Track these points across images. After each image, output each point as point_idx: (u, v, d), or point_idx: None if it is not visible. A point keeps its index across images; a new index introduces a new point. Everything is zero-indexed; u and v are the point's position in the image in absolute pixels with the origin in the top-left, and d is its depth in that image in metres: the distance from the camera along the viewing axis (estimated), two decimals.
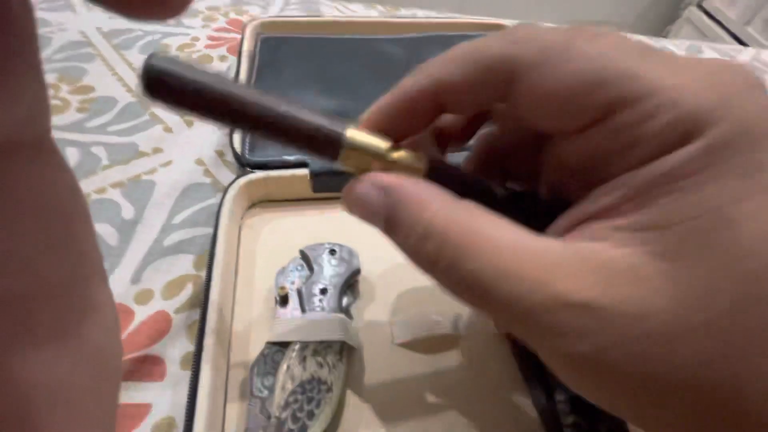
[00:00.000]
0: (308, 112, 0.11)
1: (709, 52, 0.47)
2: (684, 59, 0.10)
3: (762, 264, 0.09)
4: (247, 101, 0.10)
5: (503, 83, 0.11)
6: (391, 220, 0.11)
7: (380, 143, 0.12)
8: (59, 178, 0.09)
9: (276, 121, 0.10)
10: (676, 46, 0.47)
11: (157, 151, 0.28)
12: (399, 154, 0.12)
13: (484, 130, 0.15)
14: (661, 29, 1.34)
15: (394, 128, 0.13)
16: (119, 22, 0.38)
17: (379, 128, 0.13)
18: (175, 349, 0.20)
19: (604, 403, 0.10)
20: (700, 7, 1.20)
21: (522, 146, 0.14)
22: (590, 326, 0.09)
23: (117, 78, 0.33)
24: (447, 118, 0.14)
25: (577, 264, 0.10)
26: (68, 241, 0.09)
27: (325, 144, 0.11)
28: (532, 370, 0.18)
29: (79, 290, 0.09)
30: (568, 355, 0.10)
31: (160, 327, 0.20)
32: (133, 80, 0.33)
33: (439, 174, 0.13)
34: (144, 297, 0.21)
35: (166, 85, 0.09)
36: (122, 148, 0.28)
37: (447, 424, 0.18)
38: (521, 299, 0.10)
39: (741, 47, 0.50)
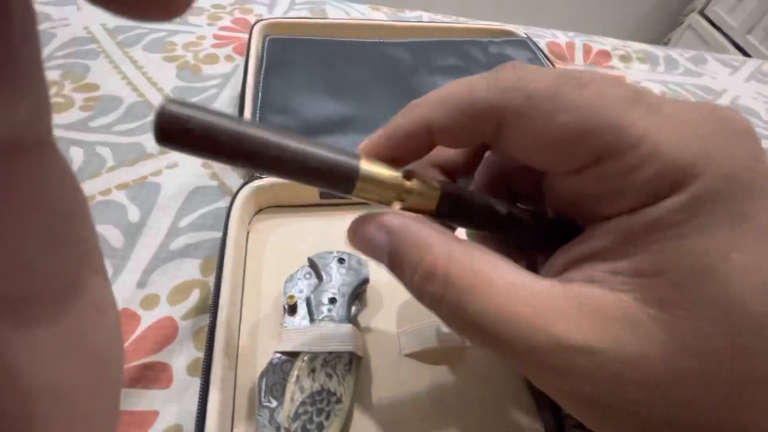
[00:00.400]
0: (319, 147, 0.11)
1: (713, 62, 0.47)
2: (671, 105, 0.10)
3: (751, 316, 0.09)
4: (262, 143, 0.10)
5: (492, 128, 0.12)
6: (394, 260, 0.12)
7: (393, 173, 0.12)
8: (60, 178, 0.09)
9: (291, 160, 0.10)
10: (680, 54, 0.48)
11: (163, 152, 0.28)
12: (413, 184, 0.12)
13: (488, 155, 0.15)
14: (663, 35, 1.35)
15: (395, 157, 0.13)
16: (123, 18, 0.38)
17: (381, 158, 0.13)
18: (182, 356, 0.20)
19: None
20: (702, 14, 1.21)
21: (524, 172, 0.15)
22: (591, 368, 0.10)
23: (122, 76, 0.33)
24: (449, 152, 0.15)
25: (575, 307, 0.10)
26: (70, 242, 0.09)
27: (339, 178, 0.11)
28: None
29: (80, 290, 0.09)
30: (571, 393, 0.10)
31: (167, 333, 0.20)
32: (139, 79, 0.33)
33: (453, 199, 0.13)
34: (150, 302, 0.21)
35: (179, 133, 0.09)
36: (128, 149, 0.28)
37: None
38: (524, 341, 0.10)
39: (744, 58, 0.50)
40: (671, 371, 0.09)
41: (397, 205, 0.12)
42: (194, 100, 0.32)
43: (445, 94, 0.12)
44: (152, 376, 0.19)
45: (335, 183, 0.11)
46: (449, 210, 0.13)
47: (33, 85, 0.08)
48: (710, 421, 0.09)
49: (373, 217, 0.12)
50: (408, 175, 0.12)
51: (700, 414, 0.09)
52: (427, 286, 0.11)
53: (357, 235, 0.12)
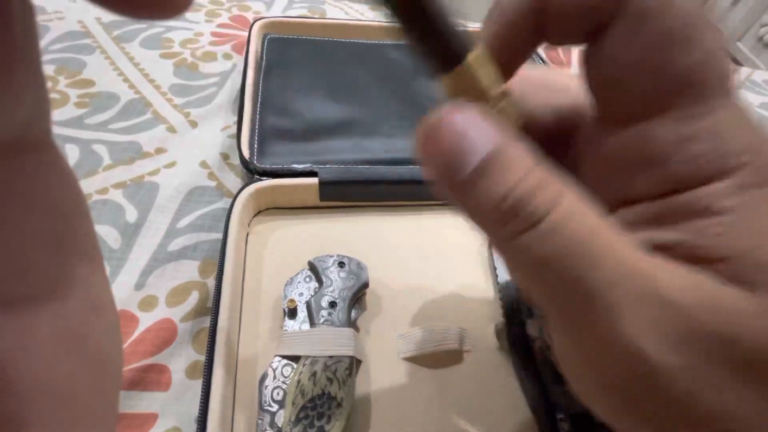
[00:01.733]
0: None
1: None
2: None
3: None
4: None
5: (607, 14, 0.10)
6: (490, 165, 0.09)
7: (497, 79, 0.10)
8: (60, 178, 0.09)
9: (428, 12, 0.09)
10: None
11: (160, 151, 0.28)
12: (508, 102, 0.10)
13: None
14: None
15: (499, 49, 0.11)
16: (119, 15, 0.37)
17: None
18: (181, 358, 0.20)
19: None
20: None
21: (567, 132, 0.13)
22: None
23: (118, 73, 0.32)
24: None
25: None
26: (70, 242, 0.09)
27: (448, 50, 0.10)
28: (534, 387, 0.19)
29: (80, 290, 0.09)
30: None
31: (165, 335, 0.20)
32: (136, 75, 0.32)
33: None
34: (148, 304, 0.21)
35: None
36: (125, 147, 0.27)
37: None
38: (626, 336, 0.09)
39: (734, 67, 0.51)
40: None
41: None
42: (192, 98, 0.32)
43: None
44: (151, 378, 0.19)
45: (441, 52, 0.10)
46: None
47: (33, 85, 0.08)
48: None
49: (472, 110, 0.09)
50: (505, 93, 0.11)
51: None
52: (537, 198, 0.09)
53: (442, 124, 0.09)
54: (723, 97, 0.09)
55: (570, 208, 0.09)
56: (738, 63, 1.06)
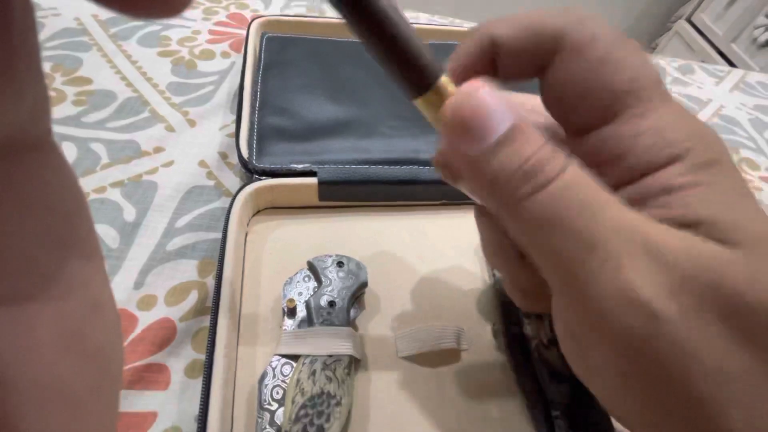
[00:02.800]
0: (419, 42, 0.11)
1: (700, 72, 0.49)
2: (672, 100, 0.12)
3: None
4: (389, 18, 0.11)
5: (549, 51, 0.12)
6: (514, 135, 0.11)
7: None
8: (60, 177, 0.09)
9: (396, 38, 0.11)
10: (669, 63, 0.49)
11: (158, 150, 0.28)
12: None
13: None
14: (651, 41, 1.37)
15: (463, 74, 0.13)
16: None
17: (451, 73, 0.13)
18: (181, 358, 0.20)
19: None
20: (689, 21, 1.24)
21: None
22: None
23: (115, 71, 0.32)
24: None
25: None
26: (70, 241, 0.09)
27: (420, 77, 0.11)
28: (531, 385, 0.19)
29: (81, 289, 0.10)
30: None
31: (165, 334, 0.20)
32: (133, 73, 0.32)
33: None
34: (147, 303, 0.21)
35: None
36: (122, 146, 0.27)
37: None
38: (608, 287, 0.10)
39: (729, 68, 0.52)
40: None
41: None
42: (191, 97, 0.32)
43: (515, 15, 0.12)
44: (151, 377, 0.19)
45: (414, 78, 0.11)
46: None
47: (33, 85, 0.08)
48: None
49: (494, 91, 0.11)
50: None
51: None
52: (548, 165, 0.10)
53: (473, 95, 0.11)
54: (660, 99, 0.11)
55: (575, 174, 0.11)
56: (732, 64, 1.07)
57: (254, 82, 0.30)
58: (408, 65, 0.11)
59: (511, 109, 0.11)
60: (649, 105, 0.11)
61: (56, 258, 0.09)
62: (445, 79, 0.12)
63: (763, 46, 1.03)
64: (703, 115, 0.43)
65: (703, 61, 0.61)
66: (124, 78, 0.32)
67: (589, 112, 0.12)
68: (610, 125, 0.12)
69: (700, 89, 0.46)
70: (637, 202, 0.11)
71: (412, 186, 0.26)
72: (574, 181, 0.11)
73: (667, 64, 0.48)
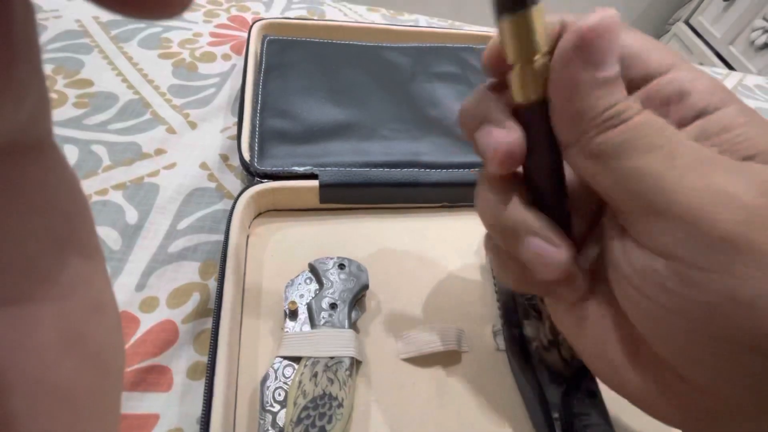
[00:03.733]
0: None
1: None
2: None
3: None
4: None
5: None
6: (618, 79, 0.12)
7: (546, 36, 0.12)
8: (61, 178, 0.09)
9: None
10: None
11: (160, 152, 0.28)
12: (546, 61, 0.12)
13: None
14: None
15: None
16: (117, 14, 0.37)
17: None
18: (182, 359, 0.20)
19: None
20: (687, 23, 1.24)
21: None
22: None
23: (117, 73, 0.32)
24: None
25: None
26: (71, 242, 0.09)
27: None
28: (531, 387, 0.19)
29: (82, 290, 0.10)
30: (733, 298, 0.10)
31: (167, 336, 0.20)
32: (134, 76, 0.32)
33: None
34: (149, 305, 0.21)
35: None
36: (124, 148, 0.27)
37: None
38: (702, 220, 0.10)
39: (727, 71, 0.52)
40: None
41: (518, 62, 0.12)
42: (192, 99, 0.32)
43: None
44: (153, 379, 0.19)
45: None
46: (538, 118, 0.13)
47: (33, 85, 0.08)
48: None
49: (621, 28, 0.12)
50: (549, 52, 0.12)
51: None
52: (629, 109, 0.11)
53: (610, 29, 0.11)
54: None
55: (650, 114, 0.12)
56: (730, 67, 1.08)
57: (255, 85, 0.30)
58: None
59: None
60: (690, 68, 0.13)
61: (57, 259, 0.09)
62: (537, 9, 0.11)
63: (760, 49, 1.03)
64: None
65: (701, 64, 0.62)
66: (125, 80, 0.32)
67: (646, 67, 0.13)
68: (667, 74, 0.13)
69: None
70: (704, 141, 0.12)
71: (412, 189, 0.26)
72: (651, 118, 0.12)
73: None
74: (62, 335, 0.09)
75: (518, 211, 0.14)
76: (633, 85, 0.13)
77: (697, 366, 0.11)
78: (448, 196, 0.27)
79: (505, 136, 0.13)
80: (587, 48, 0.11)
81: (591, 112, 0.12)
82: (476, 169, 0.28)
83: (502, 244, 0.15)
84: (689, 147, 0.11)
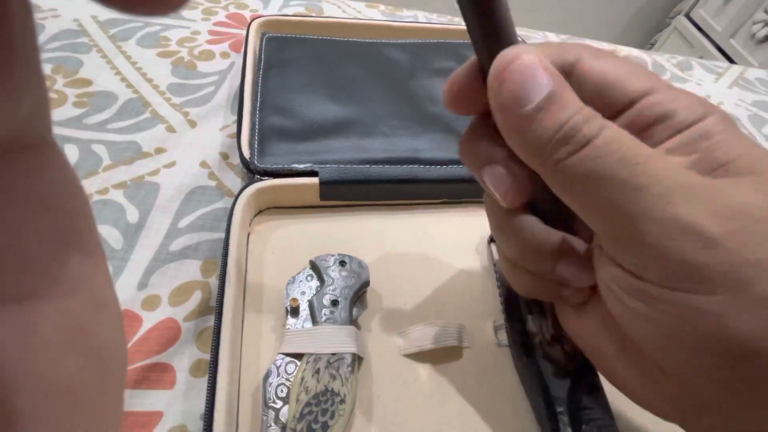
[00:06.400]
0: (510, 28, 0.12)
1: (698, 68, 0.49)
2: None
3: None
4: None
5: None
6: (554, 100, 0.12)
7: None
8: (61, 176, 0.09)
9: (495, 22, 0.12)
10: (667, 60, 0.49)
11: (160, 151, 0.28)
12: None
13: None
14: (650, 37, 1.37)
15: None
16: (116, 11, 0.37)
17: None
18: (185, 357, 0.20)
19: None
20: (687, 17, 1.23)
21: None
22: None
23: (116, 72, 0.32)
24: None
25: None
26: (72, 240, 0.09)
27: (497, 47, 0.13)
28: (534, 382, 0.19)
29: (83, 287, 0.10)
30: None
31: (169, 334, 0.20)
32: (133, 75, 0.32)
33: None
34: (151, 303, 0.21)
35: None
36: (124, 147, 0.27)
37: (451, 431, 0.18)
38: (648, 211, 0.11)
39: (727, 64, 0.52)
40: None
41: None
42: (191, 98, 0.32)
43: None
44: (156, 377, 0.19)
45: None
46: None
47: (32, 82, 0.08)
48: None
49: (537, 58, 0.12)
50: None
51: None
52: (584, 128, 0.12)
53: (516, 66, 0.12)
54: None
55: (613, 133, 0.12)
56: (731, 60, 1.07)
57: (254, 83, 0.30)
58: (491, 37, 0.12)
59: (551, 75, 0.12)
60: (669, 87, 0.13)
61: (58, 256, 0.09)
62: None
63: (761, 42, 1.03)
64: None
65: (701, 57, 0.61)
66: (124, 79, 0.32)
67: (625, 92, 0.13)
68: (647, 97, 0.13)
69: (698, 86, 0.46)
70: (684, 151, 0.12)
71: (413, 185, 0.26)
72: (614, 138, 0.11)
73: (665, 61, 0.49)
74: (64, 333, 0.09)
75: (543, 235, 0.15)
76: (615, 111, 0.13)
77: (675, 364, 0.12)
78: (449, 192, 0.27)
79: (512, 180, 0.14)
80: (498, 94, 0.12)
81: (539, 142, 0.12)
82: None
83: (522, 263, 0.16)
84: (655, 173, 0.11)
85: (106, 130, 0.28)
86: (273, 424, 0.17)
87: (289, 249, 0.24)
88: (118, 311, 0.11)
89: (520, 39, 0.13)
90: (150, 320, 0.21)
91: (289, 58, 0.32)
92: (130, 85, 0.31)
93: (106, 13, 0.37)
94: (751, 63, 1.03)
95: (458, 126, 0.30)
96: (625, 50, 0.48)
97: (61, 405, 0.09)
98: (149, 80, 0.32)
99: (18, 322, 0.08)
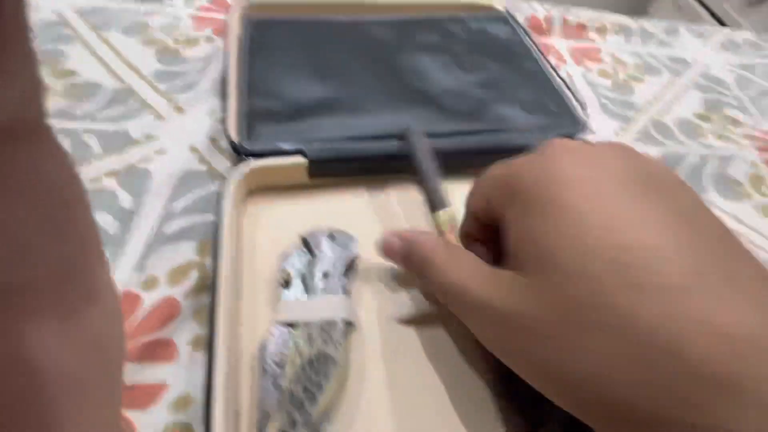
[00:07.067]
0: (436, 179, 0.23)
1: (685, 32, 0.49)
2: None
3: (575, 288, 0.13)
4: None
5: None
6: (407, 259, 0.20)
7: (445, 226, 0.22)
8: (57, 166, 0.09)
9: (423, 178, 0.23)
10: (654, 26, 0.49)
11: (150, 138, 0.28)
12: (450, 237, 0.22)
13: None
14: (644, 5, 1.35)
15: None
16: (95, 1, 0.37)
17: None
18: (185, 332, 0.21)
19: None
20: None
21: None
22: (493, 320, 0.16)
23: (100, 62, 0.32)
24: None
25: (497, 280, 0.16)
26: (68, 228, 0.09)
27: (431, 205, 0.23)
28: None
29: (80, 277, 0.10)
30: (493, 341, 0.16)
31: (170, 312, 0.21)
32: (118, 64, 0.32)
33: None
34: (150, 284, 0.22)
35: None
36: (114, 137, 0.28)
37: (440, 393, 0.19)
38: (469, 303, 0.17)
39: (714, 27, 0.51)
40: (541, 322, 0.14)
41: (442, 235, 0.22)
42: (177, 84, 0.32)
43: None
44: (159, 352, 0.20)
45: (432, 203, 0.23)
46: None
47: (25, 65, 0.08)
48: (560, 356, 0.13)
49: (393, 233, 0.21)
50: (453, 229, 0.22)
51: (547, 349, 0.14)
52: (422, 269, 0.19)
53: (384, 244, 0.21)
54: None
55: (445, 258, 0.18)
56: (722, 23, 1.06)
57: (239, 66, 0.30)
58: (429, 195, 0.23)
59: (403, 239, 0.20)
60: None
61: (52, 246, 0.09)
62: (442, 212, 0.23)
63: (753, 4, 1.01)
64: (688, 76, 0.43)
65: (691, 21, 0.61)
66: (108, 69, 0.32)
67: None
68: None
69: (685, 50, 0.46)
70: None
71: (399, 160, 0.26)
72: (447, 263, 0.18)
73: (652, 27, 0.48)
74: (60, 323, 0.09)
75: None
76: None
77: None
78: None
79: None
80: (388, 256, 0.21)
81: (415, 268, 0.20)
82: (462, 137, 0.28)
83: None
84: (456, 265, 0.17)
85: (96, 119, 0.29)
86: (272, 388, 0.18)
87: (281, 227, 0.24)
88: (115, 302, 0.11)
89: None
90: (150, 299, 0.22)
91: (273, 40, 0.32)
92: (114, 75, 0.31)
93: (85, 3, 0.36)
94: (743, 26, 1.02)
95: (444, 101, 0.30)
96: (611, 18, 0.47)
97: (59, 395, 0.09)
98: (134, 69, 0.32)
99: (11, 311, 0.08)
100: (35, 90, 0.09)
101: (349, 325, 0.20)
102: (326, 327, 0.19)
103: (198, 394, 0.19)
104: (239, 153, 0.25)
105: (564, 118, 0.31)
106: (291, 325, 0.19)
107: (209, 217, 0.25)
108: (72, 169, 0.10)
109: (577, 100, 0.32)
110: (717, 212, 0.32)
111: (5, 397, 0.08)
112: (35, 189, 0.09)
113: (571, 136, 0.30)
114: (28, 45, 0.08)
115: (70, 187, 0.10)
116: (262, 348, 0.19)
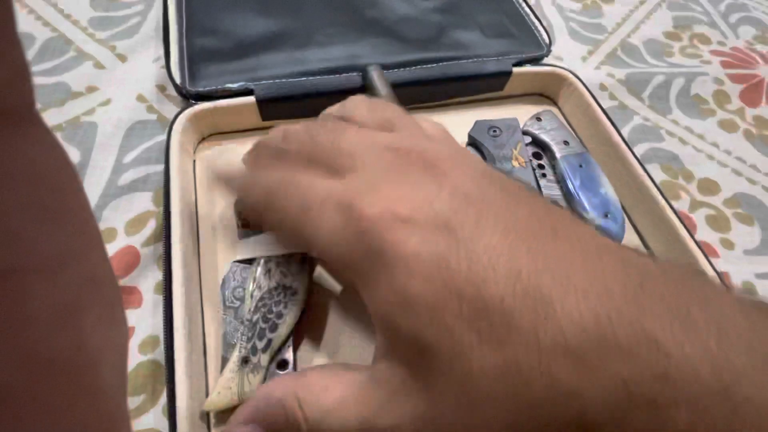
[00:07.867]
0: None
1: None
2: None
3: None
4: None
5: None
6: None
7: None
8: (47, 150, 0.09)
9: None
10: None
11: (92, 90, 0.27)
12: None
13: None
14: None
15: None
16: None
17: None
18: (148, 279, 0.21)
19: None
20: None
21: None
22: None
23: (29, 11, 0.30)
24: None
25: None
26: (61, 215, 0.09)
27: None
28: None
29: (75, 264, 0.09)
30: None
31: (130, 260, 0.21)
32: (49, 12, 0.30)
33: None
34: (108, 235, 0.22)
35: None
36: (52, 89, 0.26)
37: None
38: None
39: None
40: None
41: None
42: (116, 31, 0.30)
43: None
44: (124, 298, 0.20)
45: None
46: None
47: (9, 49, 0.07)
48: None
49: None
50: None
51: None
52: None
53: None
54: None
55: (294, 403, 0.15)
56: None
57: (179, 5, 0.28)
58: None
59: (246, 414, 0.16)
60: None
61: (44, 232, 0.09)
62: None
63: None
64: None
65: None
66: (39, 18, 0.29)
67: None
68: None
69: None
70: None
71: (354, 93, 0.25)
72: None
73: None
74: (55, 308, 0.09)
75: None
76: None
77: None
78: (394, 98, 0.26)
79: None
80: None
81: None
82: (420, 67, 0.27)
83: None
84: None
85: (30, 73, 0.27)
86: (233, 320, 0.18)
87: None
88: (115, 288, 0.11)
89: None
90: (111, 249, 0.21)
91: None
92: (47, 24, 0.29)
93: None
94: None
95: (399, 29, 0.29)
96: None
97: (55, 381, 0.09)
98: (67, 16, 0.30)
99: (6, 297, 0.08)
100: (21, 74, 0.08)
101: (307, 256, 0.20)
102: (284, 261, 0.19)
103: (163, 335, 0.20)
104: (184, 96, 0.24)
105: (527, 43, 0.30)
106: (250, 261, 0.19)
107: (163, 167, 0.24)
108: (63, 154, 0.09)
109: (540, 23, 0.31)
110: (681, 131, 0.33)
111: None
112: (22, 174, 0.08)
113: (535, 61, 0.29)
114: (11, 27, 0.07)
115: (61, 173, 0.09)
116: (223, 285, 0.19)
